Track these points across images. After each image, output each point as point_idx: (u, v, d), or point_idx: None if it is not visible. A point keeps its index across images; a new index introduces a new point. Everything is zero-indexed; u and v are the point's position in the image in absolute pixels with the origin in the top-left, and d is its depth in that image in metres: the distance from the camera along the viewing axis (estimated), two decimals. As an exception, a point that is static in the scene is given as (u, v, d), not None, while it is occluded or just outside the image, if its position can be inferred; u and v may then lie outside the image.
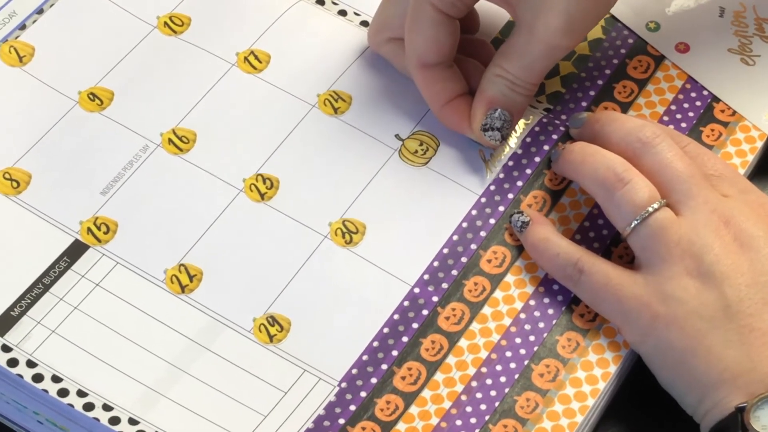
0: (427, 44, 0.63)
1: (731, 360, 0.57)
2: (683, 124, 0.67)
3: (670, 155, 0.61)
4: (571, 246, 0.61)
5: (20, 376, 0.58)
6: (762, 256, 0.59)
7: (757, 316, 0.58)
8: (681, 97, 0.68)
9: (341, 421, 0.58)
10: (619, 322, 0.60)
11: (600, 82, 0.68)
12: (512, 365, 0.60)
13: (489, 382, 0.60)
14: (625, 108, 0.67)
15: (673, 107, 0.68)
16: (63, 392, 0.58)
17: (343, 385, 0.59)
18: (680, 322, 0.58)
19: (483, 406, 0.59)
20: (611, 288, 0.60)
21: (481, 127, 0.64)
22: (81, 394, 0.58)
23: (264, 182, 0.64)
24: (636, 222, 0.60)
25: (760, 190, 0.62)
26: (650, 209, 0.60)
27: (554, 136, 0.66)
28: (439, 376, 0.60)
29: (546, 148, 0.66)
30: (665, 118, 0.67)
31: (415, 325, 0.61)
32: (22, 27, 0.68)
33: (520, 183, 0.65)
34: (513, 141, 0.66)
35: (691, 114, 0.67)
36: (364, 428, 0.58)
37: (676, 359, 0.58)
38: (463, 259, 0.63)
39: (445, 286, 0.62)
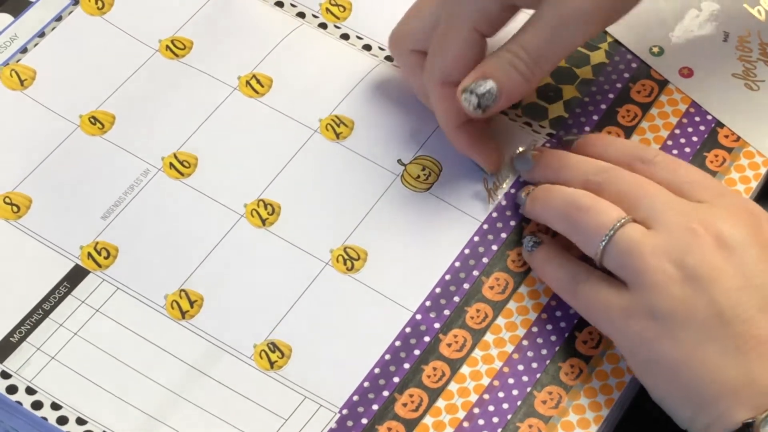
0: (455, 62, 0.62)
1: (729, 372, 0.55)
2: (687, 149, 0.67)
3: (630, 179, 0.60)
4: (573, 263, 0.61)
5: (19, 403, 0.58)
6: (747, 258, 0.56)
7: (751, 322, 0.55)
8: (685, 121, 0.68)
9: (342, 448, 0.58)
10: (612, 336, 0.59)
11: (603, 106, 0.68)
12: (515, 392, 0.60)
13: (491, 408, 0.59)
14: (629, 132, 0.67)
15: (677, 131, 0.67)
16: (62, 420, 0.58)
17: (345, 411, 0.59)
18: (671, 333, 0.56)
19: (485, 434, 0.59)
20: (601, 305, 0.58)
21: (462, 89, 0.61)
22: (80, 421, 0.58)
23: (265, 208, 0.64)
24: (603, 243, 0.58)
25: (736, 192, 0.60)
26: (615, 226, 0.58)
27: (557, 162, 0.66)
28: (441, 403, 0.59)
29: (549, 175, 0.65)
30: (669, 143, 0.67)
31: (416, 352, 0.60)
32: (24, 50, 0.68)
33: (521, 210, 0.64)
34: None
35: (695, 139, 0.67)
36: (365, 456, 0.58)
37: (669, 372, 0.56)
38: (465, 286, 0.62)
39: (447, 312, 0.61)
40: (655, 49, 0.70)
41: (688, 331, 0.56)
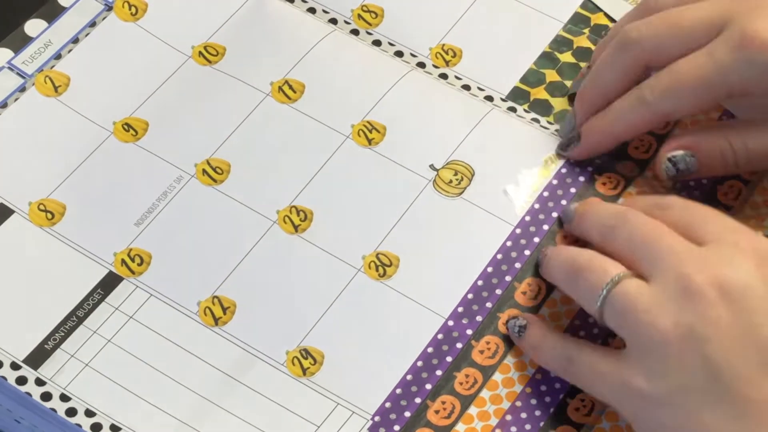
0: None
1: None
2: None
3: (636, 224, 0.57)
4: (564, 340, 0.59)
5: (54, 410, 0.58)
6: (750, 306, 0.53)
7: (752, 383, 0.52)
8: None
9: (375, 455, 0.58)
10: (614, 406, 0.57)
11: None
12: (547, 399, 0.59)
13: (524, 416, 0.59)
14: (660, 140, 0.66)
15: None
16: (96, 427, 0.58)
17: (377, 418, 0.59)
18: (669, 398, 0.53)
19: (517, 442, 0.59)
20: (598, 374, 0.56)
21: (669, 156, 0.62)
22: (114, 428, 0.58)
23: (298, 214, 0.64)
24: (599, 302, 0.56)
25: (748, 228, 0.57)
26: (609, 283, 0.56)
27: (589, 168, 0.65)
28: (473, 410, 0.59)
29: (581, 179, 0.65)
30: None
31: (449, 359, 0.60)
32: (58, 57, 0.68)
33: (555, 214, 0.64)
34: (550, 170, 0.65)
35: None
36: (397, 463, 0.58)
37: None
38: (498, 292, 0.62)
39: (479, 318, 0.61)
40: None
41: (686, 396, 0.53)
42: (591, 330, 0.61)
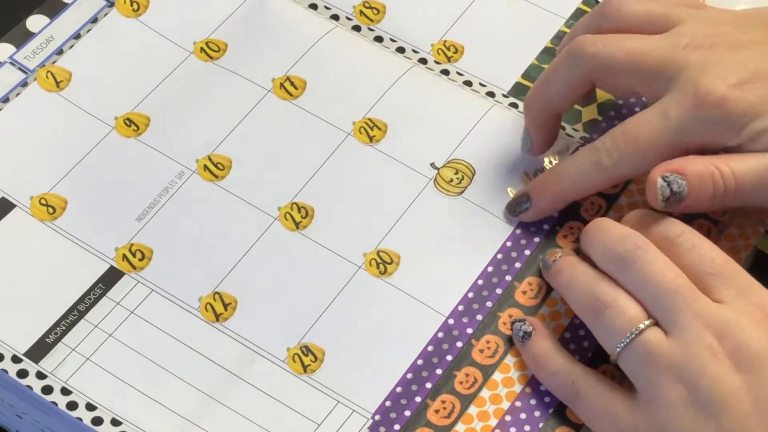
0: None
1: None
2: (721, 154, 0.67)
3: (653, 268, 0.57)
4: (569, 363, 0.59)
5: (54, 403, 0.59)
6: (763, 377, 0.54)
7: None
8: None
9: (375, 453, 0.59)
10: None
11: (637, 109, 0.68)
12: (546, 399, 0.60)
13: (523, 416, 0.59)
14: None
15: None
16: (97, 420, 0.58)
17: (377, 417, 0.59)
18: None
19: (517, 441, 0.59)
20: (607, 415, 0.56)
21: (661, 175, 0.59)
22: (115, 422, 0.58)
23: (299, 211, 0.64)
24: (620, 347, 0.56)
25: (762, 286, 0.57)
26: (633, 332, 0.56)
27: (589, 171, 0.66)
28: (473, 410, 0.59)
29: (582, 180, 0.65)
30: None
31: (449, 357, 0.61)
32: (60, 52, 0.69)
33: (555, 214, 0.64)
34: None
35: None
36: (397, 461, 0.58)
37: None
38: (498, 291, 0.62)
39: (479, 317, 0.62)
40: (690, 54, 0.70)
41: None
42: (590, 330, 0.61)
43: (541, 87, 0.64)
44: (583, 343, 0.61)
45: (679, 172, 0.59)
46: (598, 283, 0.58)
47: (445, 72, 0.70)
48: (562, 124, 0.68)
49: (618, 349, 0.56)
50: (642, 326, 0.56)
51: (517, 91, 0.69)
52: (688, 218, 0.63)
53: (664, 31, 0.62)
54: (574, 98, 0.64)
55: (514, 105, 0.68)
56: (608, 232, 0.60)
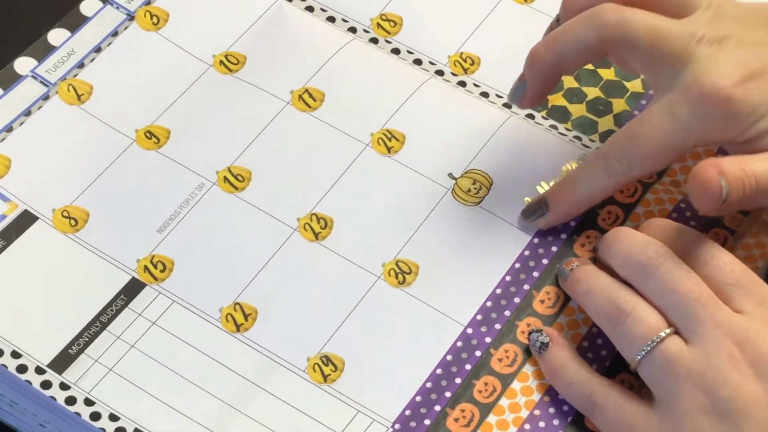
0: None
1: None
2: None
3: (674, 276, 0.57)
4: (586, 374, 0.59)
5: (78, 414, 0.59)
6: None
7: None
8: None
9: (395, 462, 0.59)
10: None
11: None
12: (565, 407, 0.60)
13: (542, 425, 0.60)
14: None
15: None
16: (120, 431, 0.59)
17: (397, 426, 0.60)
18: None
19: (536, 450, 0.59)
20: (625, 425, 0.57)
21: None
22: (138, 433, 0.59)
23: (318, 222, 0.65)
24: (641, 355, 0.56)
25: None
26: (654, 341, 0.56)
27: (607, 176, 0.66)
28: (492, 419, 0.60)
29: (599, 190, 0.66)
30: (720, 155, 0.67)
31: (468, 367, 0.61)
32: (81, 65, 0.69)
33: (573, 223, 0.65)
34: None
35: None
36: (417, 469, 0.59)
37: None
38: (516, 300, 0.63)
39: (498, 326, 0.62)
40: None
41: None
42: (608, 339, 0.61)
43: (552, 43, 0.63)
44: (600, 352, 0.61)
45: (722, 173, 0.58)
46: (617, 291, 0.59)
47: (462, 84, 0.70)
48: (578, 134, 0.68)
49: (638, 358, 0.57)
50: (663, 334, 0.56)
51: (534, 101, 0.70)
52: (704, 227, 0.64)
53: (685, 14, 0.61)
54: (583, 62, 0.63)
55: (530, 116, 0.69)
56: (629, 241, 0.60)
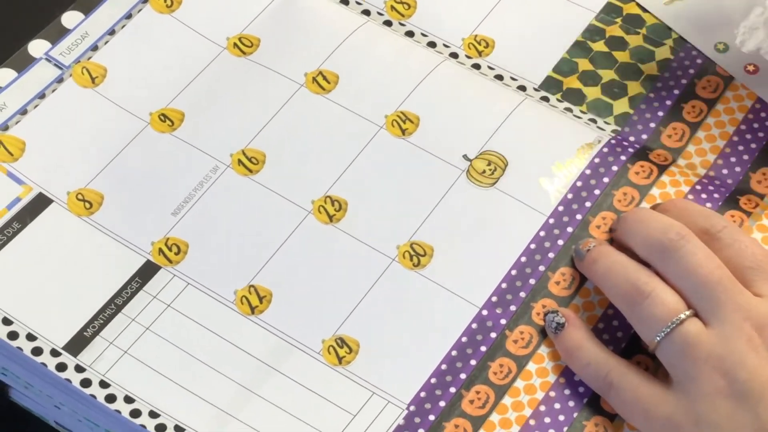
0: None
1: None
2: (753, 145, 0.67)
3: (695, 259, 0.57)
4: (603, 354, 0.59)
5: (93, 396, 0.59)
6: None
7: None
8: (751, 117, 0.68)
9: (410, 443, 0.59)
10: None
11: (668, 102, 0.68)
12: (580, 389, 0.60)
13: (557, 406, 0.60)
14: (694, 128, 0.67)
15: (742, 127, 0.67)
16: (135, 413, 0.59)
17: (412, 408, 0.60)
18: None
19: (551, 431, 0.59)
20: (641, 406, 0.57)
21: None
22: (153, 414, 0.59)
23: (332, 204, 0.65)
24: (660, 337, 0.56)
25: None
26: (674, 322, 0.56)
27: (623, 157, 0.66)
28: (507, 400, 0.60)
29: (615, 168, 0.66)
30: (735, 138, 0.67)
31: (483, 348, 0.61)
32: (95, 48, 0.69)
33: (588, 204, 0.65)
34: (582, 163, 0.66)
35: (761, 134, 0.67)
36: (432, 451, 0.59)
37: None
38: (532, 281, 0.63)
39: (513, 308, 0.62)
40: (720, 46, 0.70)
41: None
42: (624, 320, 0.61)
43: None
44: (617, 334, 0.61)
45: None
46: (636, 272, 0.59)
47: (477, 66, 0.70)
48: (593, 117, 0.68)
49: (657, 339, 0.57)
50: (683, 316, 0.56)
51: (548, 85, 0.69)
52: (720, 210, 0.63)
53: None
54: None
55: (545, 98, 0.69)
56: (650, 222, 0.60)
